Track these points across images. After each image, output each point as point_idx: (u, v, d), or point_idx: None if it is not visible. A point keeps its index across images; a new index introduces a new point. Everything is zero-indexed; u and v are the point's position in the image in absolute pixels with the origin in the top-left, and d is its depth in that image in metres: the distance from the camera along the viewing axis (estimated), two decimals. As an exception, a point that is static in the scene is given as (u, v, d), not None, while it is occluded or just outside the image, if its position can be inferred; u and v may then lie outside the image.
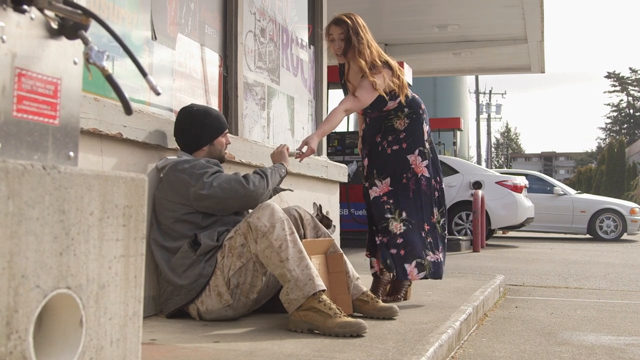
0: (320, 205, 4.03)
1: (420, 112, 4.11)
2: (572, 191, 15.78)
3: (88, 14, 1.62)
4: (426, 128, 4.13)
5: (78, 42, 1.69)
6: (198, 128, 3.44)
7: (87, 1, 1.73)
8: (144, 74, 1.72)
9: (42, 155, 1.59)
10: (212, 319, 3.19)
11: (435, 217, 4.06)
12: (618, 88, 71.13)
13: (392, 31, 12.95)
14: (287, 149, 3.72)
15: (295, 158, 3.84)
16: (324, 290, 2.99)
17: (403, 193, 4.02)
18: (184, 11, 4.07)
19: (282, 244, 3.02)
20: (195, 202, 3.22)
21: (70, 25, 1.63)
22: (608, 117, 73.17)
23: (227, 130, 3.58)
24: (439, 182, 4.11)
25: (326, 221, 3.91)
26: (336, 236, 5.85)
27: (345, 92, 4.12)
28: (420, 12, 11.48)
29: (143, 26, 3.64)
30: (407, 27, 12.65)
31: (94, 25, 1.66)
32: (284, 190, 3.72)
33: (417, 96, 4.13)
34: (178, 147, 3.51)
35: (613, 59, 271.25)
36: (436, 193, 4.08)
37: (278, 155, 3.70)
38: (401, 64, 10.97)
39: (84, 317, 1.50)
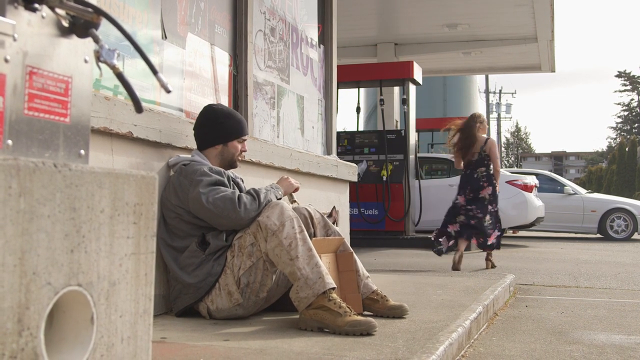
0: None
1: None
2: (582, 190, 15.70)
3: (99, 12, 1.63)
4: None
5: (89, 41, 1.69)
6: (216, 125, 3.44)
7: (98, 0, 1.74)
8: (154, 71, 1.73)
9: (53, 153, 1.59)
10: (222, 318, 3.19)
11: None
12: (629, 87, 70.81)
13: (402, 30, 12.94)
14: (296, 190, 3.66)
15: (290, 202, 3.69)
16: (334, 289, 2.99)
17: None
18: (194, 10, 4.07)
19: (292, 242, 3.02)
20: (193, 209, 3.20)
21: (81, 24, 1.64)
22: (619, 117, 72.85)
23: (245, 137, 3.56)
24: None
25: None
26: (346, 235, 5.85)
27: None
28: (430, 12, 11.45)
29: (153, 25, 3.65)
30: (417, 27, 12.63)
31: (103, 23, 1.67)
32: (294, 202, 3.68)
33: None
34: (187, 147, 3.52)
35: (624, 58, 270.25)
36: None
37: (284, 182, 3.60)
38: (411, 64, 11.02)
39: (95, 314, 1.50)
